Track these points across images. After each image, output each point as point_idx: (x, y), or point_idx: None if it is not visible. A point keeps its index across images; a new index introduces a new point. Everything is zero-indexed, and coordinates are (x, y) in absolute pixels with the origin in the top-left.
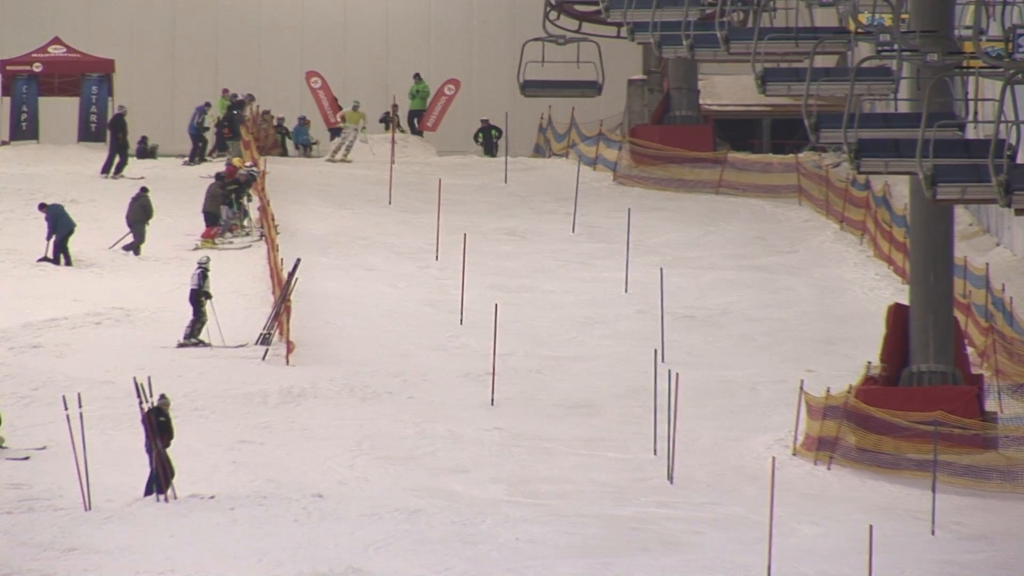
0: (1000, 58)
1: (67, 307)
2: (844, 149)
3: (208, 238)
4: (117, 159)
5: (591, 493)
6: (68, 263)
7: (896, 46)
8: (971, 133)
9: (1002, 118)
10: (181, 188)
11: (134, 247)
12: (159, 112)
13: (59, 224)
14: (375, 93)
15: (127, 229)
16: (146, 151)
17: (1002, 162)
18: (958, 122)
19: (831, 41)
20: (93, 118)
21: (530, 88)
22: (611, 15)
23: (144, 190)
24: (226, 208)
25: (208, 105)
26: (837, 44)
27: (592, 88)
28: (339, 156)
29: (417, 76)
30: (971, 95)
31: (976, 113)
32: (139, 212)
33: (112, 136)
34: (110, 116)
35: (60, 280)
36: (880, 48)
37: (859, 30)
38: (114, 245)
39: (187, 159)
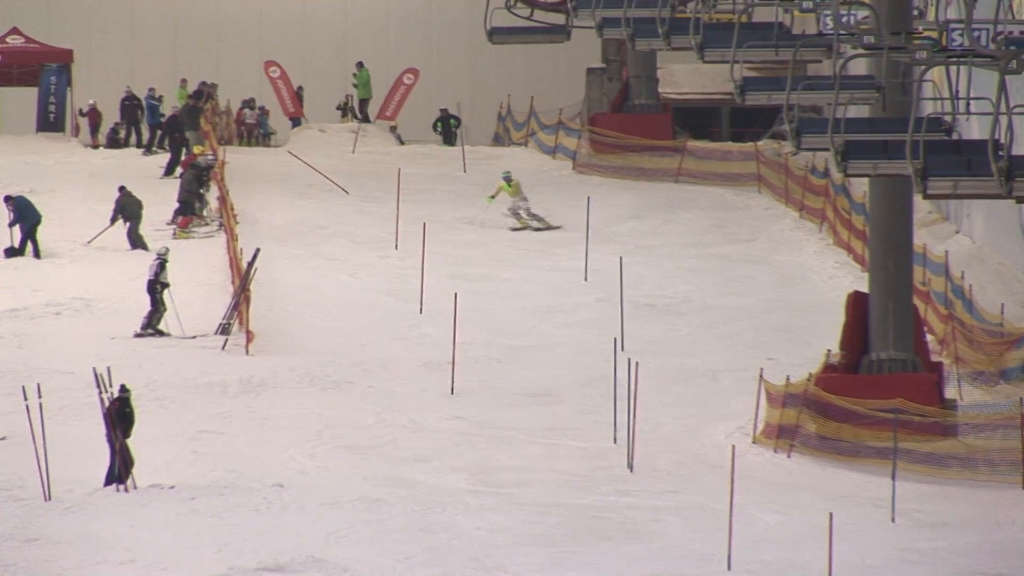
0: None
1: (27, 297)
2: (831, 152)
3: (183, 227)
4: (169, 157)
5: (551, 482)
6: (36, 254)
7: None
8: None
9: (999, 109)
10: (142, 179)
11: (140, 243)
12: (118, 102)
13: (26, 215)
14: (334, 83)
15: (102, 223)
16: (117, 141)
17: (1002, 153)
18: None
19: (811, 49)
20: (52, 108)
21: (498, 35)
22: (579, 15)
23: (123, 189)
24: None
25: (153, 93)
26: (817, 52)
27: (561, 33)
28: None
29: (359, 64)
30: (943, 91)
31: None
32: (134, 207)
33: (169, 136)
34: (73, 108)
35: (20, 271)
36: (864, 48)
37: (842, 32)
38: (92, 240)
39: (146, 149)
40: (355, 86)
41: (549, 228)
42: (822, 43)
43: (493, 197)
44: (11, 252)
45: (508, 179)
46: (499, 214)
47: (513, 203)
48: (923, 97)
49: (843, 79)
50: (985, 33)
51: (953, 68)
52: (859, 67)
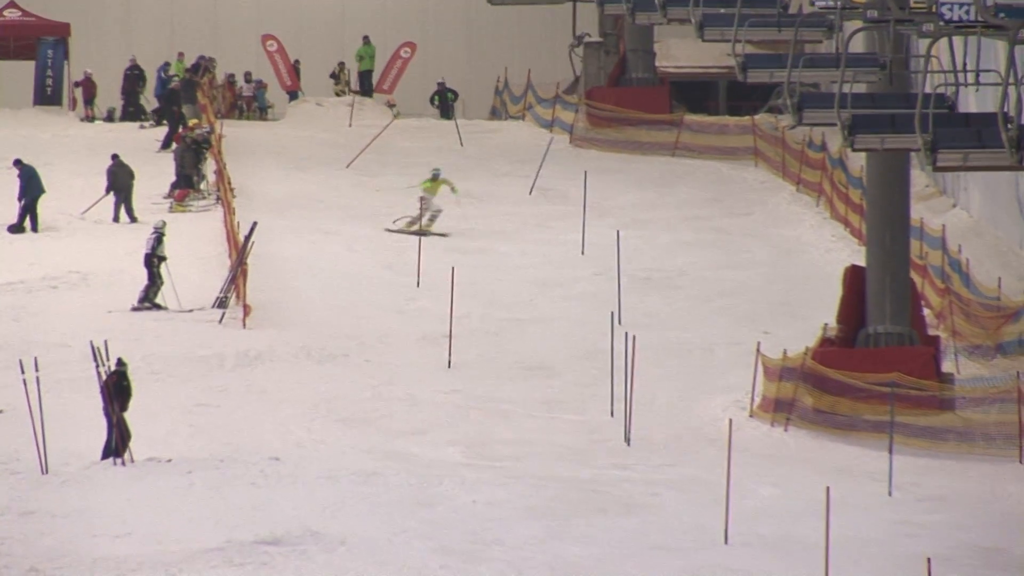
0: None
1: (24, 271)
2: (838, 127)
3: (180, 200)
4: (167, 130)
5: (548, 455)
6: (34, 228)
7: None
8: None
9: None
10: (139, 152)
11: (130, 215)
12: (116, 76)
13: (30, 187)
14: (330, 57)
15: (96, 195)
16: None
17: (1010, 124)
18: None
19: (812, 29)
20: (49, 82)
21: None
22: None
23: (116, 157)
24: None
25: (167, 69)
26: (818, 31)
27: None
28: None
29: (366, 39)
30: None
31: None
32: (125, 178)
33: (167, 110)
34: (69, 81)
35: (16, 244)
36: (869, 22)
37: (847, 6)
38: (86, 211)
39: (155, 121)
40: (359, 58)
41: (425, 234)
42: (824, 22)
43: (454, 190)
44: (14, 228)
45: (436, 176)
46: (494, 185)
47: (426, 198)
48: (930, 71)
49: (846, 57)
50: (971, 6)
51: (955, 41)
52: (856, 45)
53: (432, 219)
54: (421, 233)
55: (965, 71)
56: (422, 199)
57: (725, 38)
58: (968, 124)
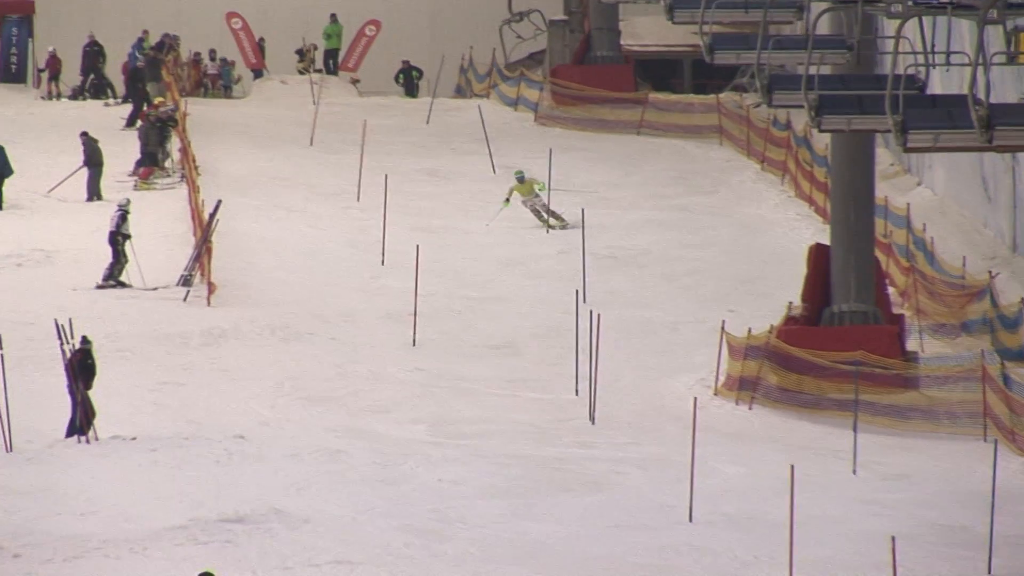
0: None
1: None
2: (805, 109)
3: (145, 178)
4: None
5: (513, 433)
6: None
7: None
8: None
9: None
10: (103, 130)
11: (97, 194)
12: (79, 53)
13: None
14: (295, 34)
15: (63, 174)
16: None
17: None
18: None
19: (782, 10)
20: (13, 59)
21: None
22: None
23: (86, 134)
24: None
25: (146, 34)
26: (788, 12)
27: None
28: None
29: (333, 16)
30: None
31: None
32: (98, 155)
33: (132, 87)
34: (34, 58)
35: None
36: (837, 3)
37: None
38: (53, 189)
39: (120, 99)
40: (327, 37)
41: (564, 227)
42: (793, 3)
43: (508, 200)
44: None
45: (521, 178)
46: (458, 163)
47: (527, 202)
48: (900, 52)
49: (813, 39)
50: None
51: (922, 22)
52: (822, 26)
53: (551, 213)
54: (561, 227)
55: (934, 52)
56: (529, 205)
57: (695, 20)
58: (936, 105)
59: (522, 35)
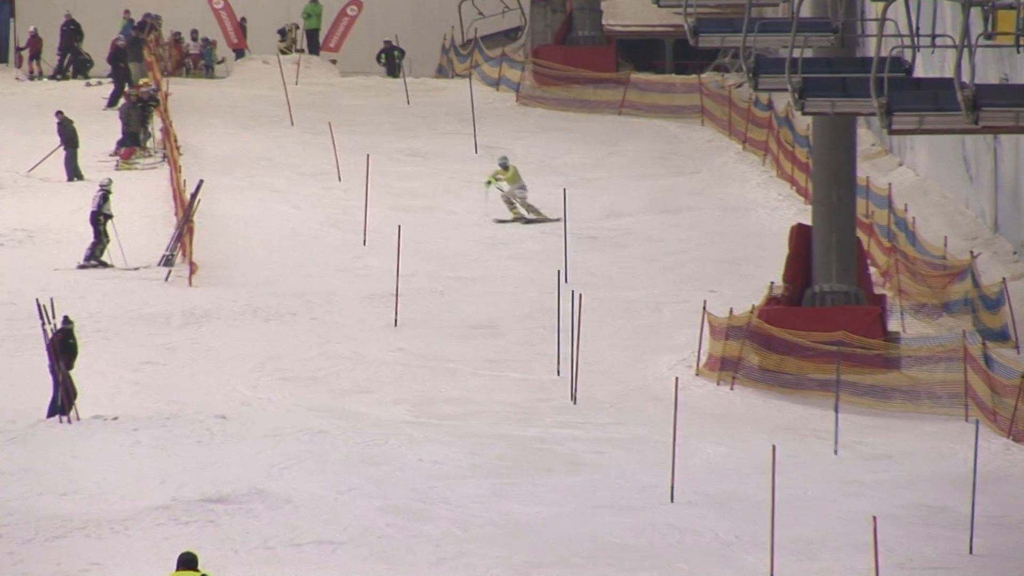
0: None
1: None
2: (788, 91)
3: (126, 158)
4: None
5: (494, 414)
6: None
7: None
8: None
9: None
10: (85, 110)
11: (77, 174)
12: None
13: None
14: (276, 14)
15: (44, 154)
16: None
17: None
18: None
19: None
20: None
21: None
22: None
23: (60, 113)
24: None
25: (127, 13)
26: None
27: None
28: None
29: None
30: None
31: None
32: (73, 134)
33: (113, 67)
34: (15, 38)
35: None
36: None
37: None
38: (33, 168)
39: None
40: (307, 16)
41: (544, 220)
42: None
43: (489, 183)
44: None
45: (505, 165)
46: (440, 143)
47: (509, 190)
48: (885, 35)
49: (798, 21)
50: None
51: (908, 4)
52: (805, 9)
53: (529, 207)
54: (539, 220)
55: (919, 35)
56: (505, 197)
57: (680, 3)
58: (921, 87)
59: (482, 12)
